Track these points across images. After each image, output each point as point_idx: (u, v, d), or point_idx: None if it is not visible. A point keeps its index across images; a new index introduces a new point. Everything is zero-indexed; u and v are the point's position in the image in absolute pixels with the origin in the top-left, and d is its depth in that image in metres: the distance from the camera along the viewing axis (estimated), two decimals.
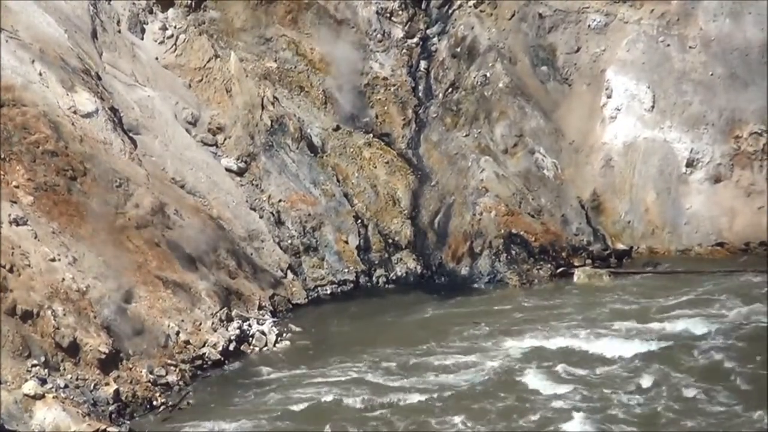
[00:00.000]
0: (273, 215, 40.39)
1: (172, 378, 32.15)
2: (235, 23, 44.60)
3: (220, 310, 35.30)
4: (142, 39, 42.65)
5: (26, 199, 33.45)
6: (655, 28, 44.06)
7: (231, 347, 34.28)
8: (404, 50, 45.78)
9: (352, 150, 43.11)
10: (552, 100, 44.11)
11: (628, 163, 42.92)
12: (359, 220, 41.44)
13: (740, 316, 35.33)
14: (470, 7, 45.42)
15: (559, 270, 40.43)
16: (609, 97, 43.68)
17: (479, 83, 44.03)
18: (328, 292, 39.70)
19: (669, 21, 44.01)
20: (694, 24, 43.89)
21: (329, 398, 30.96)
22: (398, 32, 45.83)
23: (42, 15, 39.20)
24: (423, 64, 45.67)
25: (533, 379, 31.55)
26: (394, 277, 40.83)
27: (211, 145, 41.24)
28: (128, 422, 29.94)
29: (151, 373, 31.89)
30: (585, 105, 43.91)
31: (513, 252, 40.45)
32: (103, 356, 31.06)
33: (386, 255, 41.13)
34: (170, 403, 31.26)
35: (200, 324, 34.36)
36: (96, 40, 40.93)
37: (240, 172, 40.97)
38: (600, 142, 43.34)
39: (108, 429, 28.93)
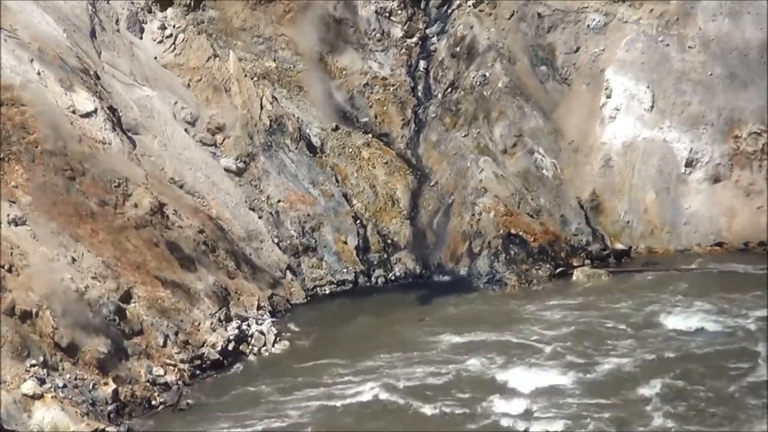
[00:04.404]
0: (272, 215, 40.37)
1: (170, 378, 32.12)
2: (234, 23, 44.56)
3: (219, 310, 35.27)
4: (141, 38, 42.62)
5: (25, 198, 33.41)
6: (655, 27, 44.05)
7: (230, 347, 34.26)
8: (403, 50, 45.75)
9: (351, 150, 43.08)
10: (551, 100, 44.09)
11: (627, 163, 42.90)
12: (358, 221, 41.41)
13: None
14: (469, 6, 45.40)
15: (558, 270, 40.39)
16: (608, 97, 43.66)
17: (478, 83, 44.01)
18: (327, 292, 39.68)
19: (668, 21, 43.99)
20: (693, 24, 43.88)
21: (328, 398, 30.97)
22: (397, 32, 45.79)
23: (41, 14, 39.16)
24: (422, 63, 45.64)
25: (518, 377, 31.91)
26: (393, 278, 40.80)
27: (210, 145, 41.21)
28: (127, 422, 29.91)
29: (150, 372, 31.88)
30: (584, 105, 43.89)
31: (512, 252, 40.42)
32: (102, 356, 31.06)
33: (385, 255, 41.09)
34: (169, 402, 31.23)
35: (199, 324, 34.33)
36: (95, 39, 40.90)
37: (239, 172, 40.93)
38: (599, 142, 43.32)
39: (107, 429, 28.92)
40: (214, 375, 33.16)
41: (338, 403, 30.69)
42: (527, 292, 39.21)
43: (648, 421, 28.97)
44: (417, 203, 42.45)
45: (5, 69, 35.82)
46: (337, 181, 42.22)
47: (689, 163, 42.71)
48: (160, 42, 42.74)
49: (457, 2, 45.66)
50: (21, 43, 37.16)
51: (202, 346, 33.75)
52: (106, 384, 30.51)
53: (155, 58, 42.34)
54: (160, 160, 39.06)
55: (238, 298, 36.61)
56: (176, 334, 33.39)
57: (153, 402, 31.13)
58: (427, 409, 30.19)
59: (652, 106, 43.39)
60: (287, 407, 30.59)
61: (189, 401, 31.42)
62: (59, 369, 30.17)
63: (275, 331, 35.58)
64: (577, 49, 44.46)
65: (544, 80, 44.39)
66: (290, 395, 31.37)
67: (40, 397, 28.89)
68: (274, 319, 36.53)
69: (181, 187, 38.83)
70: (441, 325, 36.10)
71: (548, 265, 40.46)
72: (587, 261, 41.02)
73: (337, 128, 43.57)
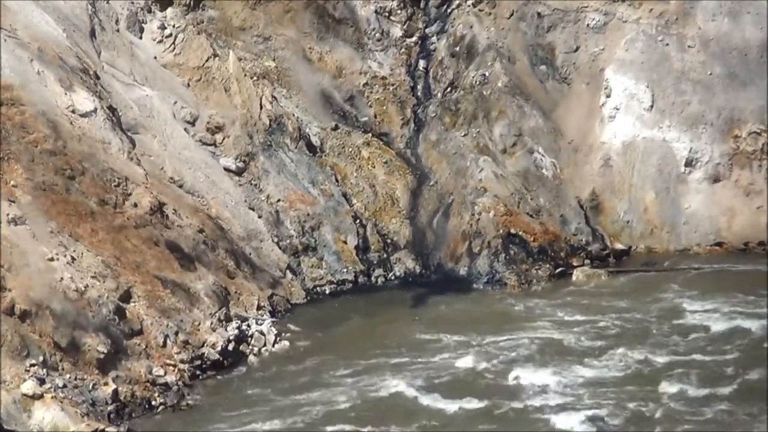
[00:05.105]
0: (272, 215, 40.36)
1: (170, 378, 32.08)
2: (234, 22, 44.56)
3: (219, 310, 35.25)
4: (141, 38, 42.62)
5: (25, 198, 33.40)
6: (654, 27, 44.06)
7: (230, 347, 34.21)
8: (403, 49, 45.74)
9: (350, 149, 43.09)
10: (551, 100, 44.10)
11: (627, 163, 42.91)
12: (358, 220, 41.42)
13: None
14: (469, 6, 45.40)
15: (557, 270, 40.39)
16: (608, 96, 43.67)
17: (478, 82, 44.01)
18: (327, 292, 39.68)
19: (668, 20, 44.00)
20: (692, 23, 43.88)
21: (329, 398, 30.97)
22: (397, 31, 45.79)
23: (41, 14, 39.17)
24: (422, 63, 45.64)
25: (524, 373, 31.98)
26: (392, 277, 40.80)
27: (209, 145, 41.21)
28: (127, 422, 29.90)
29: (150, 373, 31.84)
30: (584, 104, 43.89)
31: (512, 252, 40.42)
32: (102, 356, 31.03)
33: (385, 255, 41.10)
34: (169, 403, 31.22)
35: (199, 324, 34.31)
36: (94, 39, 40.91)
37: (239, 172, 40.93)
38: (599, 142, 43.33)
39: (106, 429, 28.89)
40: (214, 375, 33.14)
41: (339, 403, 30.68)
42: (527, 292, 39.22)
43: (659, 421, 28.99)
44: (417, 203, 42.45)
45: (5, 69, 35.82)
46: (337, 180, 42.23)
47: (689, 163, 42.72)
48: (160, 42, 42.74)
49: (457, 2, 45.65)
50: (21, 43, 37.17)
51: (202, 346, 33.73)
52: (106, 384, 30.48)
53: (155, 57, 42.34)
54: (160, 159, 39.07)
55: (238, 298, 36.60)
56: (176, 334, 33.38)
57: (153, 402, 31.10)
58: (432, 408, 30.18)
59: (651, 106, 43.40)
60: (287, 407, 30.59)
61: (189, 401, 31.41)
62: (59, 369, 30.14)
63: (275, 331, 35.54)
64: (577, 49, 44.47)
65: (544, 80, 44.40)
66: (290, 395, 31.37)
67: (40, 397, 28.87)
68: (274, 319, 36.50)
69: (180, 186, 38.83)
70: (441, 325, 36.13)
71: (548, 265, 40.45)
72: (587, 261, 41.01)
73: (336, 128, 43.58)
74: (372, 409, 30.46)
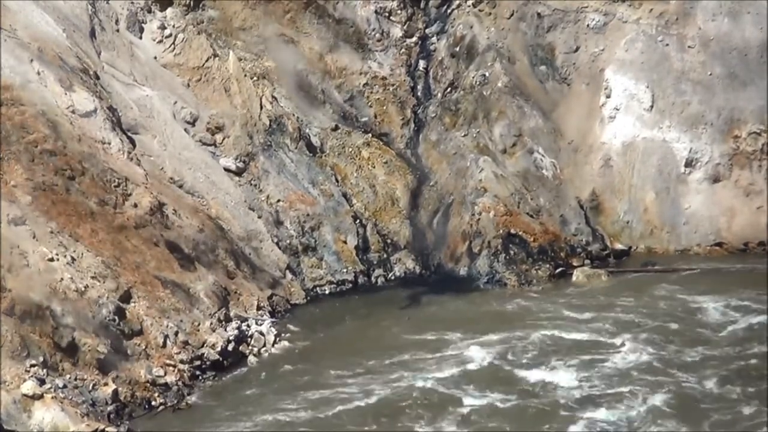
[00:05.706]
0: (272, 215, 40.36)
1: (170, 378, 32.07)
2: (234, 22, 44.56)
3: (219, 310, 35.24)
4: (141, 38, 42.63)
5: (24, 198, 33.39)
6: (654, 27, 44.08)
7: (230, 348, 34.20)
8: (403, 50, 45.76)
9: (350, 150, 43.09)
10: (551, 100, 44.12)
11: (627, 163, 42.94)
12: (358, 220, 41.42)
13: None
14: (469, 6, 45.42)
15: (557, 270, 40.40)
16: (608, 96, 43.69)
17: (478, 83, 44.03)
18: (327, 292, 39.67)
19: (668, 20, 44.03)
20: (692, 24, 43.90)
21: (328, 399, 30.95)
22: (397, 32, 45.81)
23: (40, 14, 39.17)
24: (422, 63, 45.67)
25: (526, 373, 32.04)
26: (392, 277, 40.79)
27: (209, 145, 41.21)
28: (127, 422, 29.90)
29: (150, 373, 31.84)
30: (584, 104, 43.91)
31: (511, 252, 40.42)
32: (102, 356, 31.01)
33: (385, 255, 41.10)
34: (169, 403, 31.22)
35: (199, 324, 34.31)
36: (94, 39, 40.91)
37: (239, 172, 40.93)
38: (599, 142, 43.35)
39: (106, 429, 28.90)
40: (214, 375, 33.13)
41: (339, 404, 30.66)
42: (527, 292, 39.21)
43: (675, 416, 29.12)
44: (417, 203, 42.46)
45: (5, 69, 35.82)
46: (337, 180, 42.23)
47: (689, 163, 42.74)
48: (160, 42, 42.75)
49: (457, 2, 45.70)
50: (21, 43, 37.16)
51: (202, 346, 33.72)
52: (106, 384, 30.47)
53: (155, 57, 42.35)
54: (160, 159, 39.07)
55: (238, 298, 36.59)
56: (176, 334, 33.37)
57: (153, 402, 31.11)
58: (434, 407, 30.16)
59: (651, 106, 43.42)
60: (287, 408, 30.57)
61: (189, 401, 31.42)
62: (59, 369, 30.13)
63: (275, 332, 35.54)
64: (577, 49, 44.49)
65: (544, 80, 44.43)
66: (290, 396, 31.36)
67: (40, 397, 28.86)
68: (273, 320, 36.50)
69: (180, 186, 38.83)
70: (441, 324, 36.12)
71: (548, 265, 40.47)
72: (587, 261, 41.05)
73: (336, 128, 43.58)
74: (372, 408, 30.44)
